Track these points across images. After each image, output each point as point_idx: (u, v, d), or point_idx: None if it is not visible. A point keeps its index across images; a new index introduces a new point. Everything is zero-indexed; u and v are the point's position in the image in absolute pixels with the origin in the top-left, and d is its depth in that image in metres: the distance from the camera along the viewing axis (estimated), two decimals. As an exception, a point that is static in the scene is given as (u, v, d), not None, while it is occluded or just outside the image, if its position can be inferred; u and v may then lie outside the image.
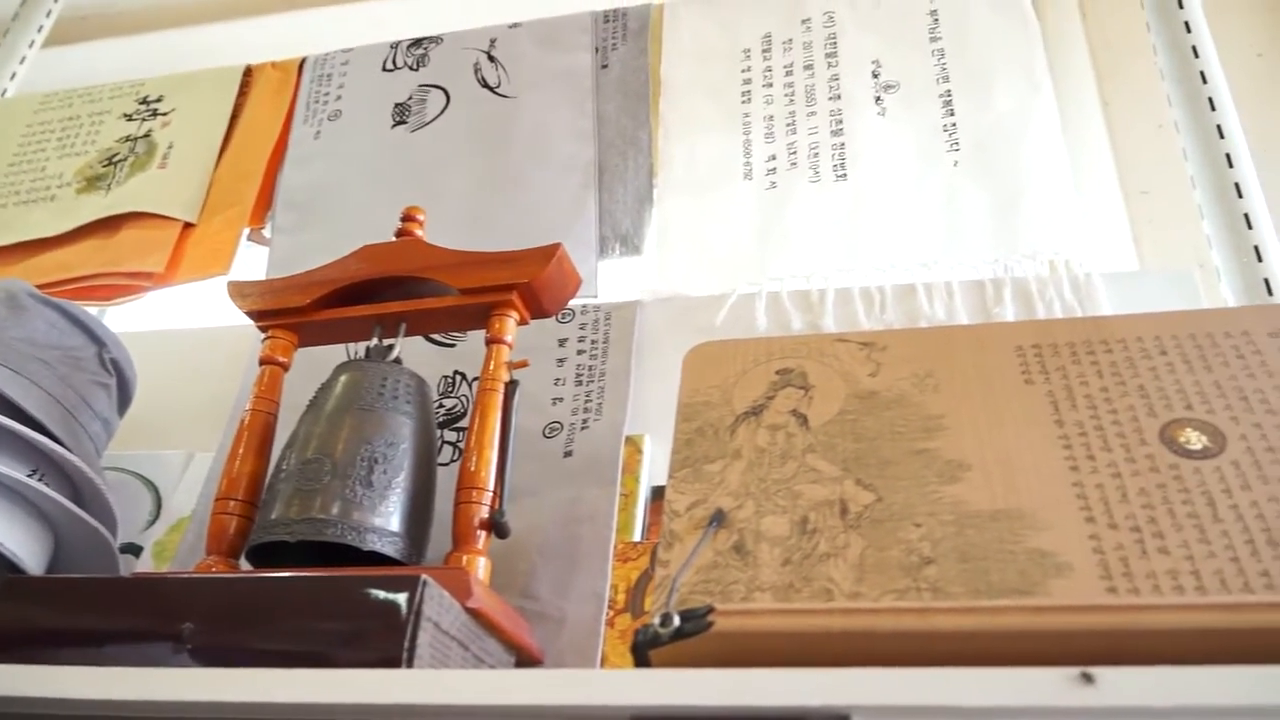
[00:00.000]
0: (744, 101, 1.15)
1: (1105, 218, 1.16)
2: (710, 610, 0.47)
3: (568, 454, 0.94)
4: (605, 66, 1.22)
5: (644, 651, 0.48)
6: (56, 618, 0.66)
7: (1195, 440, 0.54)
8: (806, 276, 1.01)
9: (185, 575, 0.75)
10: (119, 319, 1.27)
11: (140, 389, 0.97)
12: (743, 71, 1.17)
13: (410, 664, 0.57)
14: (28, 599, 0.68)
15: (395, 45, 1.32)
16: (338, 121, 1.28)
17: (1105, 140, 1.22)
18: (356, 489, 0.72)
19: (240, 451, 0.80)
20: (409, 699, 0.48)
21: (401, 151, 1.22)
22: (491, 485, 0.75)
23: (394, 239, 0.87)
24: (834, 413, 0.62)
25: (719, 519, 0.57)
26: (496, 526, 0.74)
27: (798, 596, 0.51)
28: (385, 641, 0.58)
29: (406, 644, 0.57)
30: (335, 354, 0.91)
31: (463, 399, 1.01)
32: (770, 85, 1.15)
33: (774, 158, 1.09)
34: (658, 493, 0.94)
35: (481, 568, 0.72)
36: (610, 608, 0.84)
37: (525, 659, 0.76)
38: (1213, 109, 0.94)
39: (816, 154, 1.08)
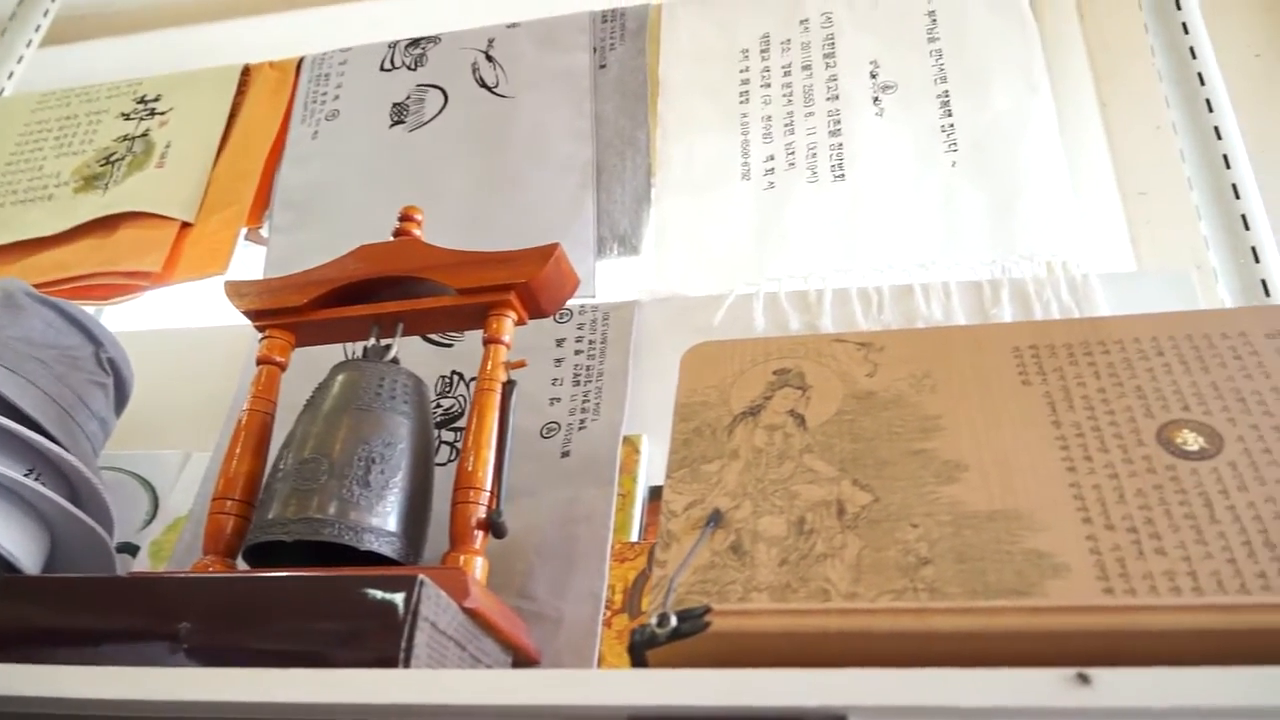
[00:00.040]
0: (742, 102, 1.15)
1: (1103, 219, 1.16)
2: (707, 610, 0.47)
3: (565, 454, 0.94)
4: (603, 66, 1.22)
5: (641, 651, 0.48)
6: (53, 617, 0.66)
7: (1192, 441, 0.54)
8: (804, 277, 1.01)
9: (182, 575, 0.75)
10: (116, 318, 1.27)
11: (137, 388, 0.97)
12: (741, 72, 1.17)
13: (407, 664, 0.57)
14: (24, 598, 0.67)
15: (393, 45, 1.32)
16: (335, 121, 1.28)
17: (1103, 141, 1.22)
18: (354, 489, 0.72)
19: (237, 451, 0.80)
20: (406, 699, 0.48)
21: (399, 151, 1.22)
22: (489, 485, 0.75)
23: (391, 239, 0.87)
24: (831, 413, 0.62)
25: (716, 519, 0.57)
26: (494, 526, 0.74)
27: (795, 597, 0.51)
28: (382, 641, 0.58)
29: (403, 644, 0.57)
30: (332, 354, 0.91)
31: (460, 399, 1.01)
32: (768, 85, 1.15)
33: (772, 158, 1.09)
34: (655, 493, 0.94)
35: (479, 568, 0.72)
36: (607, 608, 0.84)
37: (522, 659, 0.76)
38: (1210, 110, 0.94)
39: (814, 154, 1.08)
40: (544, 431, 0.96)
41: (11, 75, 1.49)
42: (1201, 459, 0.53)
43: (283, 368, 0.85)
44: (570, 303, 0.94)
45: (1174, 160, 0.97)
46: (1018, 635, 0.44)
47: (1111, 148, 1.22)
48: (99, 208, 1.27)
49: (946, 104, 1.07)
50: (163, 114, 1.36)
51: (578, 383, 0.99)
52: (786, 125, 1.11)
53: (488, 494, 0.75)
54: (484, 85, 1.24)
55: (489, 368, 0.79)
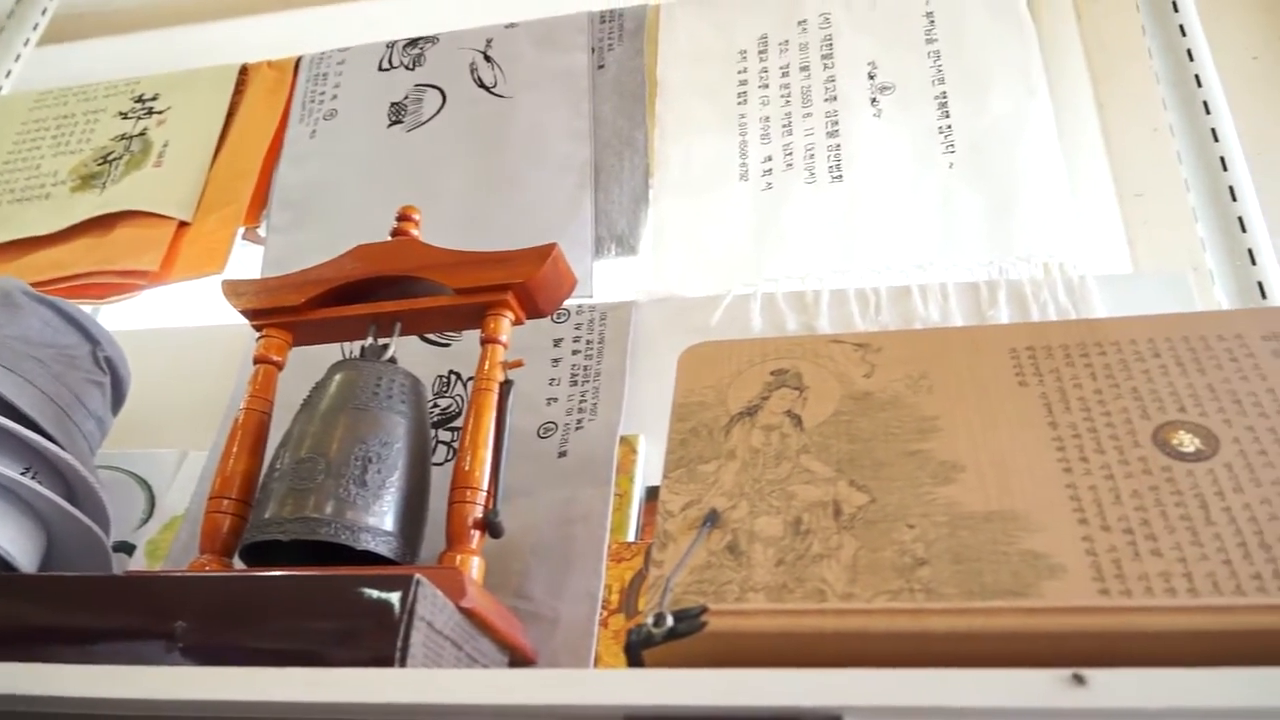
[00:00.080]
0: (740, 102, 1.15)
1: (1100, 220, 1.16)
2: (704, 610, 0.48)
3: (562, 454, 0.94)
4: (601, 67, 1.22)
5: (637, 651, 0.48)
6: (49, 616, 0.66)
7: (1188, 443, 0.54)
8: (802, 277, 1.01)
9: (178, 574, 0.75)
10: (113, 317, 1.27)
11: (134, 387, 0.97)
12: (739, 72, 1.17)
13: (403, 663, 0.57)
14: (20, 597, 0.67)
15: (391, 45, 1.32)
16: (333, 121, 1.28)
17: (1100, 143, 1.22)
18: (350, 488, 0.72)
19: (234, 450, 0.80)
20: (402, 698, 0.48)
21: (397, 151, 1.22)
22: (485, 485, 0.75)
23: (389, 238, 0.87)
24: (828, 414, 0.62)
25: (713, 519, 0.57)
26: (490, 526, 0.74)
27: (791, 597, 0.51)
28: (378, 641, 0.58)
29: (400, 643, 0.57)
30: (330, 353, 0.91)
31: (457, 399, 1.01)
32: (766, 86, 1.15)
33: (770, 159, 1.09)
34: (652, 493, 0.94)
35: (475, 567, 0.72)
36: (604, 608, 0.84)
37: (519, 659, 0.76)
38: (1207, 112, 0.95)
39: (812, 155, 1.08)
40: (541, 431, 0.96)
41: (9, 74, 1.49)
42: (1197, 460, 0.53)
43: (280, 367, 0.85)
44: (568, 303, 0.94)
45: (1171, 162, 0.97)
46: (1013, 636, 0.44)
47: (1109, 149, 1.22)
48: (96, 206, 1.26)
49: (944, 105, 1.07)
50: (160, 113, 1.36)
51: (575, 383, 0.99)
52: (784, 126, 1.11)
53: (484, 494, 0.75)
54: (482, 85, 1.24)
55: (486, 367, 0.79)
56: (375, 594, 0.60)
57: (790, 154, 1.09)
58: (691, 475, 0.60)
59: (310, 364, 0.87)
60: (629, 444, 0.95)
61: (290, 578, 0.65)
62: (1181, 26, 1.00)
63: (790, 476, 0.58)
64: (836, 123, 1.09)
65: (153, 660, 0.61)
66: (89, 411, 0.88)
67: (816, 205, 1.04)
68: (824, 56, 1.14)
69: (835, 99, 1.11)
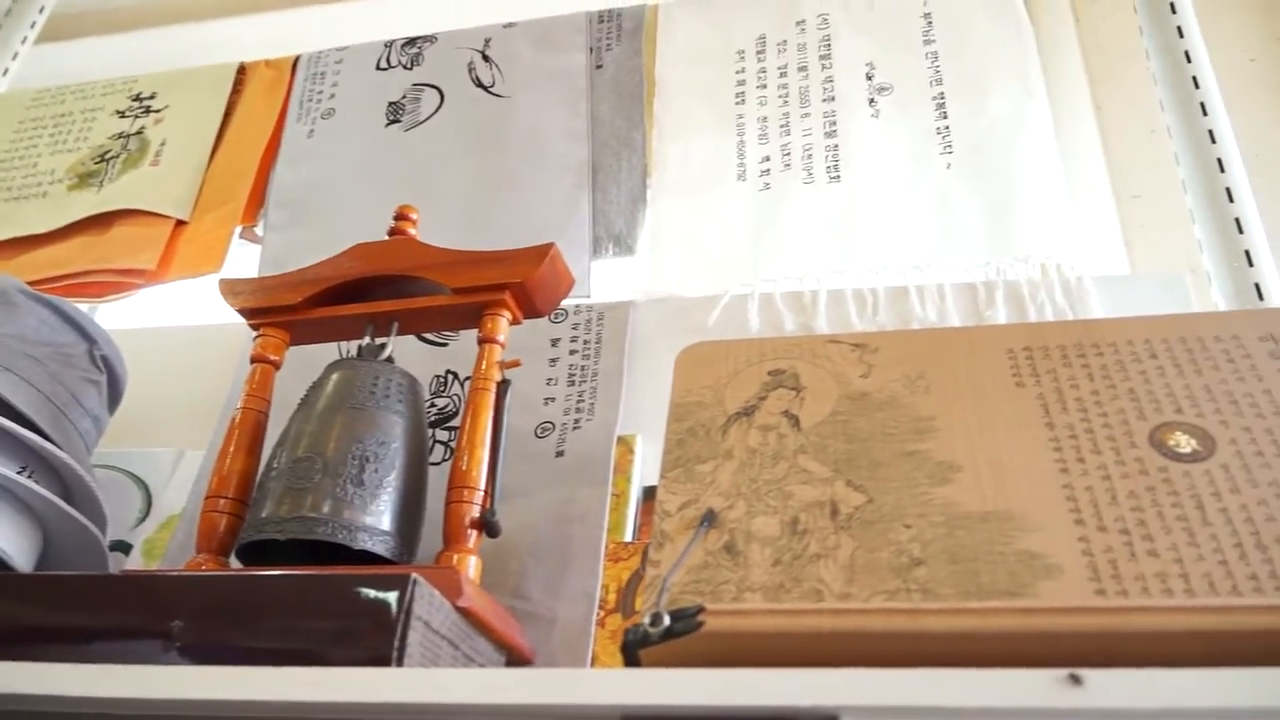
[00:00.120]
0: (738, 103, 1.15)
1: (1097, 222, 1.16)
2: (700, 610, 0.48)
3: (559, 454, 0.94)
4: (600, 67, 1.22)
5: (634, 651, 0.48)
6: (45, 615, 0.66)
7: (1185, 444, 0.55)
8: (799, 278, 1.01)
9: (175, 573, 0.75)
10: (110, 316, 1.27)
11: (131, 386, 0.97)
12: (737, 73, 1.17)
13: (400, 663, 0.57)
14: (16, 596, 0.67)
15: (389, 44, 1.32)
16: (331, 120, 1.27)
17: (1098, 144, 1.22)
18: (347, 487, 0.72)
19: (231, 449, 0.80)
20: (399, 698, 0.47)
21: (395, 150, 1.22)
22: (483, 485, 0.75)
23: (387, 238, 0.87)
24: (825, 414, 0.62)
25: (710, 519, 0.57)
26: (487, 526, 0.74)
27: (788, 597, 0.51)
28: (375, 640, 0.58)
29: (396, 643, 0.57)
30: (327, 352, 0.91)
31: (455, 398, 1.01)
32: (764, 86, 1.15)
33: (768, 159, 1.09)
34: (649, 493, 0.94)
35: (472, 567, 0.72)
36: (601, 607, 0.84)
37: (516, 658, 0.76)
38: (1205, 114, 0.95)
39: (810, 155, 1.08)
40: (538, 431, 0.96)
41: (7, 71, 1.49)
42: (1194, 461, 0.53)
43: (277, 366, 0.85)
44: (565, 303, 0.94)
45: (1168, 164, 0.97)
46: (1010, 636, 0.44)
47: (1106, 151, 1.22)
48: (93, 205, 1.26)
49: (942, 106, 1.07)
50: (158, 112, 1.36)
51: (572, 382, 0.99)
52: (782, 126, 1.11)
53: (482, 493, 0.75)
54: (480, 85, 1.24)
55: (483, 367, 0.79)
56: (372, 593, 0.59)
57: (788, 154, 1.09)
58: (689, 475, 0.60)
59: (307, 363, 0.87)
60: (626, 444, 0.95)
61: (287, 577, 0.65)
62: (1179, 28, 1.00)
63: (787, 476, 0.58)
64: (834, 123, 1.09)
65: (149, 659, 0.61)
66: (85, 410, 0.88)
67: (814, 205, 1.04)
68: (822, 57, 1.14)
69: (833, 99, 1.11)
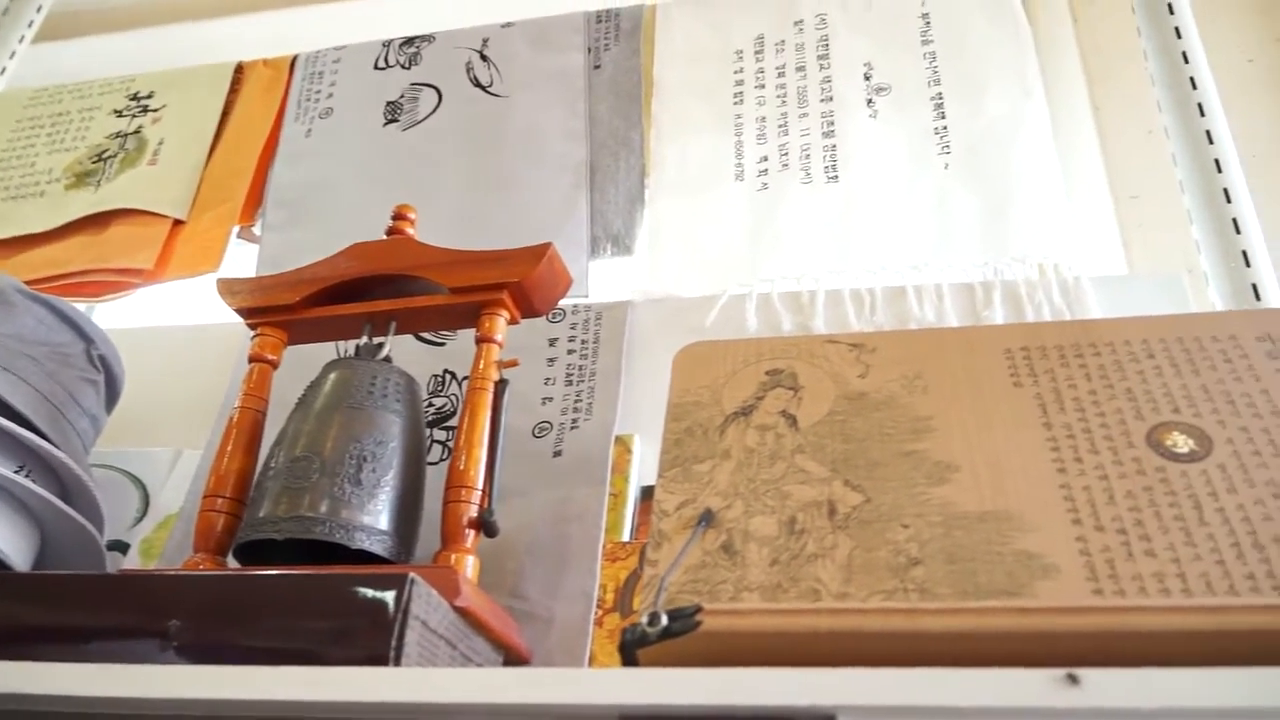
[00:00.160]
0: (736, 103, 1.15)
1: (1094, 222, 1.16)
2: (698, 610, 0.48)
3: (557, 453, 0.94)
4: (598, 67, 1.22)
5: (632, 651, 0.48)
6: (42, 614, 0.66)
7: (1182, 443, 0.55)
8: (797, 278, 1.01)
9: (172, 572, 0.75)
10: (108, 315, 1.27)
11: (128, 386, 0.96)
12: (735, 73, 1.17)
13: (398, 662, 0.57)
14: (14, 595, 0.67)
15: (387, 44, 1.32)
16: (329, 119, 1.27)
17: (1095, 145, 1.23)
18: (345, 487, 0.72)
19: (228, 449, 0.80)
20: (396, 697, 0.47)
21: (393, 150, 1.22)
22: (480, 484, 0.75)
23: (385, 237, 0.87)
24: (823, 414, 0.62)
25: (707, 519, 0.57)
26: (485, 525, 0.74)
27: (785, 596, 0.51)
28: (373, 640, 0.58)
29: (394, 642, 0.57)
30: (325, 352, 0.91)
31: (452, 398, 1.01)
32: (762, 86, 1.15)
33: (765, 159, 1.09)
34: (647, 492, 0.94)
35: (470, 566, 0.72)
36: (599, 607, 0.84)
37: (513, 658, 0.76)
38: (1202, 115, 0.95)
39: (808, 156, 1.08)
40: (536, 431, 0.96)
41: (4, 71, 1.48)
42: (1191, 461, 0.53)
43: (274, 365, 0.85)
44: (563, 302, 0.94)
45: (1166, 164, 0.97)
46: (1007, 636, 0.44)
47: (1104, 151, 1.22)
48: (91, 204, 1.26)
49: (940, 106, 1.07)
50: (155, 111, 1.36)
51: (570, 382, 0.99)
52: (780, 126, 1.11)
53: (479, 493, 0.75)
54: (478, 84, 1.24)
55: (481, 367, 0.79)
56: (370, 593, 0.59)
57: (786, 154, 1.09)
58: (686, 475, 0.60)
59: (305, 363, 0.87)
60: (624, 444, 0.95)
61: (285, 576, 0.65)
62: (1177, 29, 1.00)
63: (785, 476, 0.58)
64: (832, 123, 1.09)
65: (147, 659, 0.61)
66: (83, 410, 0.88)
67: (812, 206, 1.04)
68: (820, 57, 1.14)
69: (831, 99, 1.11)
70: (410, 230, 0.87)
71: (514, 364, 0.81)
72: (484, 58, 1.26)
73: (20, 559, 0.77)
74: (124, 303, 1.22)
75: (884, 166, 1.05)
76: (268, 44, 1.42)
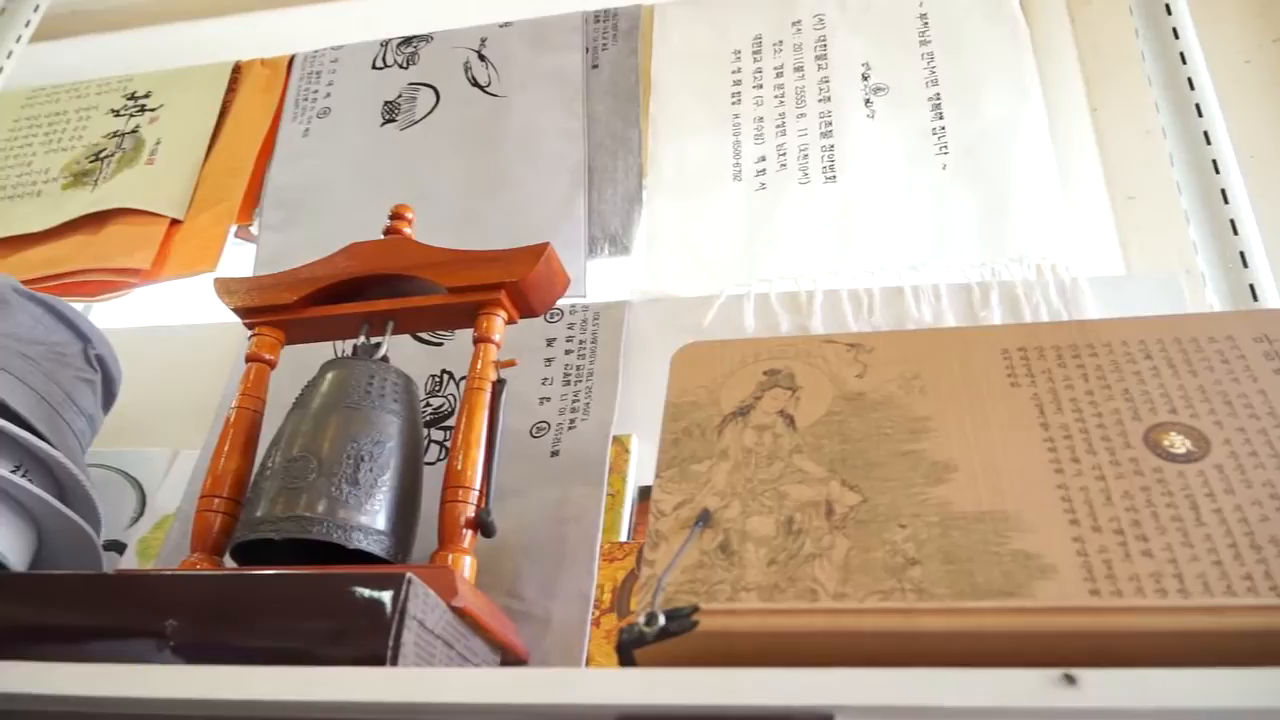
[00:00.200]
0: (734, 103, 1.15)
1: (1092, 222, 1.16)
2: (695, 610, 0.48)
3: (555, 454, 0.94)
4: (595, 67, 1.22)
5: (629, 651, 0.48)
6: (39, 614, 0.66)
7: (1179, 444, 0.55)
8: (795, 278, 1.01)
9: (169, 572, 0.75)
10: (105, 315, 1.27)
11: (125, 385, 0.96)
12: (733, 73, 1.17)
13: (395, 662, 0.57)
14: (10, 595, 0.67)
15: (385, 43, 1.32)
16: (327, 119, 1.27)
17: (1093, 145, 1.22)
18: (342, 487, 0.72)
19: (225, 449, 0.80)
20: (393, 697, 0.47)
21: (390, 150, 1.22)
22: (478, 484, 0.75)
23: (382, 237, 0.87)
24: (821, 414, 0.62)
25: (705, 519, 0.57)
26: (482, 525, 0.74)
27: (783, 596, 0.51)
28: (370, 639, 0.57)
29: (391, 642, 0.57)
30: (322, 352, 0.91)
31: (450, 398, 1.01)
32: (760, 87, 1.15)
33: (763, 159, 1.09)
34: (644, 493, 0.94)
35: (467, 566, 0.72)
36: (596, 607, 0.84)
37: (511, 658, 0.76)
38: (1200, 115, 0.95)
39: (806, 156, 1.08)
40: (534, 431, 0.96)
41: (1, 70, 1.48)
42: (1188, 461, 0.53)
43: (272, 365, 0.85)
44: (561, 302, 0.94)
45: (1163, 165, 0.97)
46: (1004, 636, 0.44)
47: (1101, 152, 1.22)
48: (88, 204, 1.26)
49: (938, 107, 1.07)
50: (153, 110, 1.36)
51: (568, 382, 0.99)
52: (778, 127, 1.11)
53: (477, 493, 0.75)
54: (476, 84, 1.24)
55: (479, 367, 0.79)
56: (367, 593, 0.59)
57: (784, 154, 1.09)
58: (684, 475, 0.60)
59: (303, 363, 0.87)
60: (621, 444, 0.95)
61: (282, 576, 0.65)
62: (1174, 30, 1.00)
63: (782, 476, 0.58)
64: (830, 123, 1.09)
65: (144, 659, 0.60)
66: (80, 409, 0.88)
67: (810, 206, 1.04)
68: (818, 57, 1.14)
69: (829, 100, 1.11)
70: (408, 230, 0.87)
71: (512, 364, 0.81)
72: (482, 58, 1.26)
73: (17, 559, 0.77)
74: (121, 302, 1.22)
75: (882, 167, 1.05)
76: (265, 44, 1.42)
